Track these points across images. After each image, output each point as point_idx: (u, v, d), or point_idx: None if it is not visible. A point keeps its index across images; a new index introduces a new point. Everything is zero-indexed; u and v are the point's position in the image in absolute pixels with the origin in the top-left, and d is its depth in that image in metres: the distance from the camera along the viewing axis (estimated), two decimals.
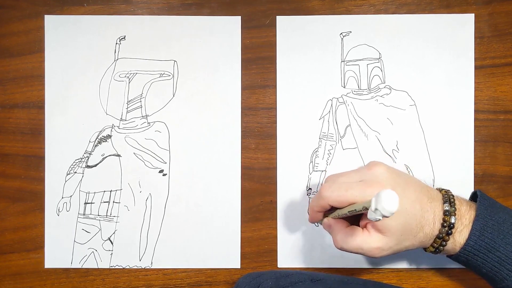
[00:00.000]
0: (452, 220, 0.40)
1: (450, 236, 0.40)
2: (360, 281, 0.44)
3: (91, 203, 0.51)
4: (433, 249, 0.42)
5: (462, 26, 0.51)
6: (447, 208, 0.40)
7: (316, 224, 0.51)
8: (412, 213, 0.40)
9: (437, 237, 0.41)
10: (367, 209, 0.35)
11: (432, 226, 0.40)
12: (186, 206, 0.51)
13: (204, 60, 0.52)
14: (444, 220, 0.40)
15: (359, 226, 0.42)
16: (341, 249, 0.43)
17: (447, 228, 0.40)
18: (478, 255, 0.40)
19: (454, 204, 0.41)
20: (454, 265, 0.44)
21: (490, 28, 0.51)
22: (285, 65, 0.51)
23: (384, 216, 0.34)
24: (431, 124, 0.51)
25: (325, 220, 0.45)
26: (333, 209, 0.43)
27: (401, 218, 0.40)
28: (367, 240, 0.40)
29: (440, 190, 0.43)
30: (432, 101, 0.51)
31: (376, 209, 0.34)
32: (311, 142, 0.51)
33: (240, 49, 0.52)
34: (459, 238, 0.40)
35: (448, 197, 0.41)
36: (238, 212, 0.51)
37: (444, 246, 0.41)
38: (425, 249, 0.43)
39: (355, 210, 0.39)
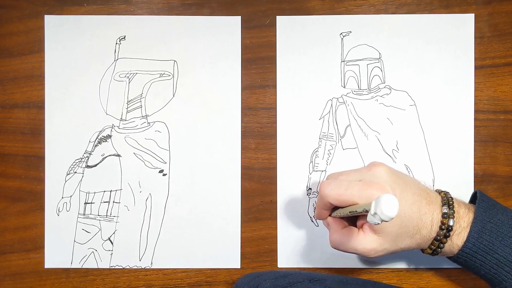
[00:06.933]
0: (451, 223, 0.40)
1: (448, 239, 0.40)
2: (359, 281, 0.44)
3: (91, 203, 0.51)
4: (431, 251, 0.42)
5: (462, 26, 0.51)
6: (446, 211, 0.40)
7: (316, 224, 0.51)
8: (410, 216, 0.40)
9: (435, 239, 0.41)
10: (367, 211, 0.35)
11: (429, 228, 0.40)
12: (186, 206, 0.51)
13: (204, 60, 0.52)
14: (442, 223, 0.40)
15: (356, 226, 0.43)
16: (336, 248, 0.43)
17: (445, 230, 0.40)
18: (476, 257, 0.40)
19: (453, 206, 0.41)
20: (454, 265, 0.44)
21: (490, 28, 0.51)
22: (285, 65, 0.51)
23: (383, 221, 0.34)
24: (431, 124, 0.51)
25: (329, 218, 0.45)
26: (336, 207, 0.43)
27: (398, 220, 0.40)
28: (362, 241, 0.41)
29: (439, 192, 0.43)
30: (432, 101, 0.51)
31: (375, 213, 0.34)
32: (311, 142, 0.51)
33: (240, 49, 0.52)
34: (457, 240, 0.40)
35: (447, 200, 0.41)
36: (238, 212, 0.51)
37: (441, 248, 0.41)
38: (422, 250, 0.43)
39: (356, 211, 0.39)
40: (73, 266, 0.51)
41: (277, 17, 0.51)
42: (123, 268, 0.52)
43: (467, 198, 0.46)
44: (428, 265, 0.51)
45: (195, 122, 0.52)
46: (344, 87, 0.51)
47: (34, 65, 0.52)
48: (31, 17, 0.52)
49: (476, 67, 0.51)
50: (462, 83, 0.51)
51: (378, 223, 0.34)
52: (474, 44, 0.51)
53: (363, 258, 0.51)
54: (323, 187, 0.42)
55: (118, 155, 0.52)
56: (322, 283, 0.43)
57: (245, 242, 0.51)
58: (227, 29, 0.51)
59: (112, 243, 0.51)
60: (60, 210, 0.51)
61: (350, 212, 0.40)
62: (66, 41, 0.52)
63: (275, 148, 0.51)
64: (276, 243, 0.51)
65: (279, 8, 0.51)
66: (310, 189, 0.51)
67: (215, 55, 0.52)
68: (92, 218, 0.51)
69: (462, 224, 0.40)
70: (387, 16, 0.51)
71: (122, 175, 0.51)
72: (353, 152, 0.51)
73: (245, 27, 0.52)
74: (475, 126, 0.51)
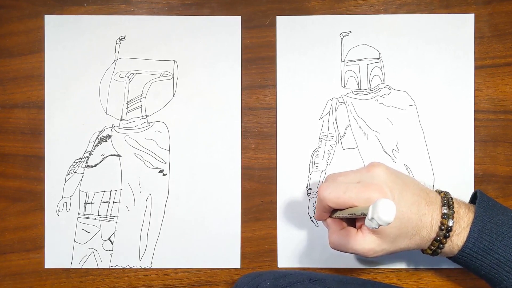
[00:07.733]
0: (450, 223, 0.40)
1: (447, 239, 0.40)
2: (359, 281, 0.44)
3: (91, 203, 0.51)
4: (431, 252, 0.42)
5: (462, 26, 0.51)
6: (445, 211, 0.40)
7: (316, 224, 0.51)
8: (409, 217, 0.40)
9: (435, 239, 0.41)
10: (365, 215, 0.36)
11: (429, 229, 0.40)
12: (186, 206, 0.51)
13: (204, 60, 0.52)
14: (442, 223, 0.40)
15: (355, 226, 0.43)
16: (335, 249, 0.43)
17: (445, 231, 0.40)
18: (476, 257, 0.40)
19: (453, 206, 0.41)
20: (454, 265, 0.44)
21: (490, 28, 0.51)
22: (285, 65, 0.51)
23: (380, 225, 0.34)
24: (431, 124, 0.51)
25: (328, 219, 0.45)
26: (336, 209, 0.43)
27: (397, 221, 0.40)
28: (361, 241, 0.41)
29: (439, 192, 0.43)
30: (432, 101, 0.51)
31: (372, 218, 0.34)
32: (311, 142, 0.51)
33: (240, 49, 0.52)
34: (457, 240, 0.40)
35: (446, 200, 0.41)
36: (238, 212, 0.51)
37: (441, 248, 0.41)
38: (422, 251, 0.43)
39: (354, 214, 0.39)
40: (73, 266, 0.51)
41: (277, 17, 0.51)
42: (123, 268, 0.52)
43: (467, 198, 0.46)
44: (427, 265, 0.51)
45: (195, 122, 0.52)
46: (344, 87, 0.51)
47: (34, 65, 0.52)
48: (31, 17, 0.52)
49: (476, 67, 0.51)
50: (462, 83, 0.51)
51: (376, 228, 0.34)
52: (474, 44, 0.51)
53: (363, 258, 0.51)
54: (321, 190, 0.42)
55: (118, 155, 0.52)
56: (322, 283, 0.43)
57: (245, 242, 0.51)
58: (227, 29, 0.51)
59: (112, 243, 0.51)
60: (60, 210, 0.51)
61: (349, 214, 0.40)
62: (66, 41, 0.52)
63: (275, 148, 0.51)
64: (276, 243, 0.51)
65: (279, 8, 0.51)
66: (310, 189, 0.51)
67: (215, 55, 0.52)
68: (92, 218, 0.51)
69: (462, 224, 0.40)
70: (387, 16, 0.51)
71: (122, 175, 0.51)
72: (353, 152, 0.51)
73: (245, 27, 0.52)
74: (475, 126, 0.51)
